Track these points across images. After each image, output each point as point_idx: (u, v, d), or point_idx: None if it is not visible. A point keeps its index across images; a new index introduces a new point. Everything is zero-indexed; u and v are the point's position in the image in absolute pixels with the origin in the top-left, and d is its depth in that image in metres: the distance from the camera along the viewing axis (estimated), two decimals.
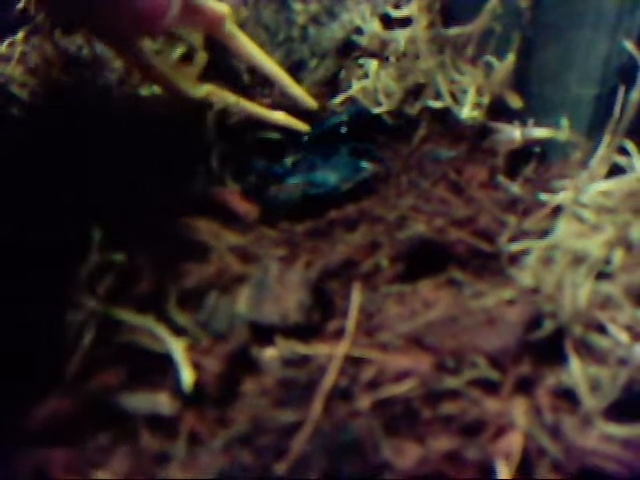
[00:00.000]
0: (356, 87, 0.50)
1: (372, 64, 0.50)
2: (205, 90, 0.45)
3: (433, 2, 0.48)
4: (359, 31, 0.51)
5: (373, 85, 0.49)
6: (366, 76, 0.50)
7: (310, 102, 0.48)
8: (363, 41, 0.51)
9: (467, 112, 0.47)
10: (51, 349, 0.32)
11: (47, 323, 0.33)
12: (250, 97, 0.48)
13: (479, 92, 0.48)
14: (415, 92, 0.49)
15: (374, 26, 0.50)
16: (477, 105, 0.47)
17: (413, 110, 0.49)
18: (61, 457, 0.30)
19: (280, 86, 0.47)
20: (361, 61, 0.51)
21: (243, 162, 0.44)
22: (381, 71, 0.49)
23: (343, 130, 0.47)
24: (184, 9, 0.43)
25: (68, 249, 0.35)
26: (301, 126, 0.47)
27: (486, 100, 0.48)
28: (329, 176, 0.43)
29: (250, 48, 0.46)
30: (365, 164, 0.44)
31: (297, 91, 0.47)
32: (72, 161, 0.39)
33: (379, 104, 0.49)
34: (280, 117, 0.46)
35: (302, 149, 0.47)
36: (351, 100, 0.50)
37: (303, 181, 0.43)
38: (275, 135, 0.47)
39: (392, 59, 0.49)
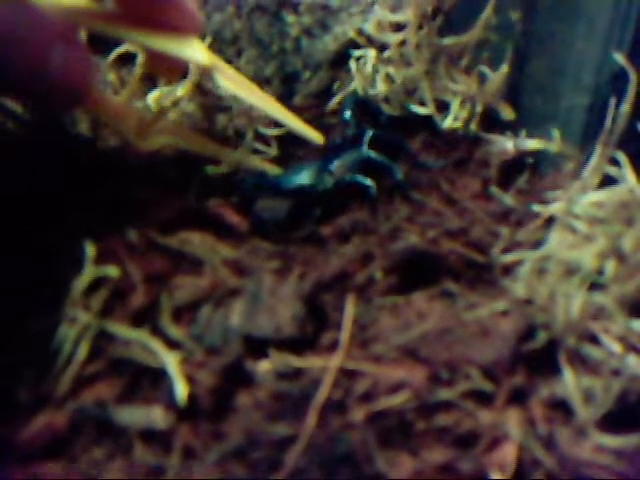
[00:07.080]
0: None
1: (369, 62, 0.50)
2: (159, 142, 0.43)
3: (427, 13, 0.48)
4: (360, 33, 0.51)
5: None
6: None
7: (315, 136, 0.44)
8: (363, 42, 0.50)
9: (449, 122, 0.48)
10: (45, 363, 0.32)
11: (41, 337, 0.33)
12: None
13: (470, 102, 0.48)
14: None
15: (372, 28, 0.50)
16: (467, 117, 0.48)
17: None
18: (55, 471, 0.30)
19: (280, 122, 0.44)
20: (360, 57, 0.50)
21: (235, 178, 0.44)
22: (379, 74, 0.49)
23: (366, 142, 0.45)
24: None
25: (62, 263, 0.35)
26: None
27: (479, 110, 0.48)
28: (301, 176, 0.43)
29: (244, 87, 0.43)
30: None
31: (299, 126, 0.44)
32: (67, 175, 0.39)
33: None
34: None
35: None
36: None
37: (277, 180, 0.43)
38: None
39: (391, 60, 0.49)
